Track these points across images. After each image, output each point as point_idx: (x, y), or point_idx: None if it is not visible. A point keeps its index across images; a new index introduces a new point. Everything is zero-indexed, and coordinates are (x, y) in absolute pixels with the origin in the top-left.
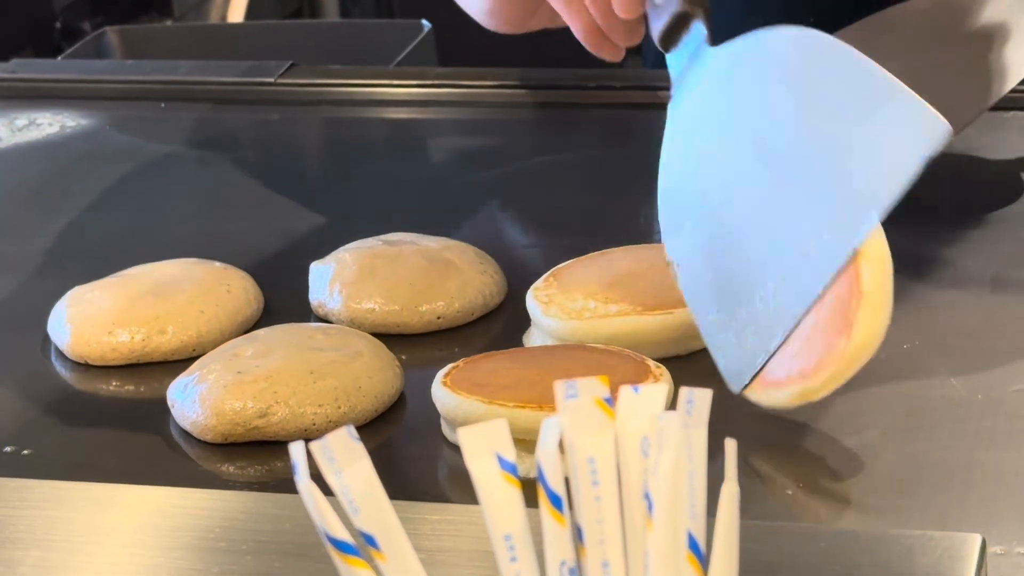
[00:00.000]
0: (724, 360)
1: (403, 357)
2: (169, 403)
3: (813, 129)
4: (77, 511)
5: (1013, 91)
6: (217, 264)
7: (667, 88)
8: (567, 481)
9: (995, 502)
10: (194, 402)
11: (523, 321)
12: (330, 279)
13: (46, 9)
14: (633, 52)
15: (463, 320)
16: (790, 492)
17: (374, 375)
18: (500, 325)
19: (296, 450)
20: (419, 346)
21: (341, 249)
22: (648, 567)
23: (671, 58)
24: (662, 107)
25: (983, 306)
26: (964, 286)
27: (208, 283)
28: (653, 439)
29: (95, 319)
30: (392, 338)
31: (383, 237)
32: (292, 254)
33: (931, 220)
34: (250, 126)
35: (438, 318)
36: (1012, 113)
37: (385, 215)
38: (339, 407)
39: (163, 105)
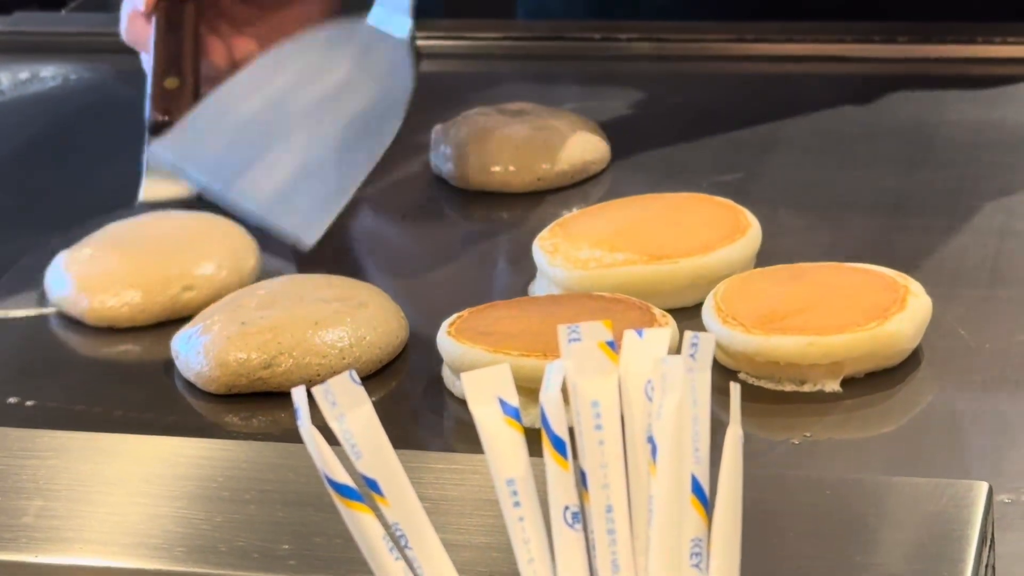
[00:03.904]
0: (289, 220)
1: (408, 307)
2: (173, 354)
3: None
4: (81, 461)
5: None
6: (219, 216)
7: (672, 40)
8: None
9: (1002, 450)
10: (198, 353)
11: (529, 270)
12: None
13: None
14: None
15: (564, 182)
16: (796, 441)
17: (379, 326)
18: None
19: (298, 395)
20: (424, 296)
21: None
22: (652, 511)
23: None
24: (665, 59)
25: (990, 256)
26: (971, 235)
27: (210, 236)
28: (657, 383)
29: (97, 278)
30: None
31: (499, 106)
32: None
33: (940, 169)
34: None
35: (538, 179)
36: None
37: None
38: (343, 358)
39: None
